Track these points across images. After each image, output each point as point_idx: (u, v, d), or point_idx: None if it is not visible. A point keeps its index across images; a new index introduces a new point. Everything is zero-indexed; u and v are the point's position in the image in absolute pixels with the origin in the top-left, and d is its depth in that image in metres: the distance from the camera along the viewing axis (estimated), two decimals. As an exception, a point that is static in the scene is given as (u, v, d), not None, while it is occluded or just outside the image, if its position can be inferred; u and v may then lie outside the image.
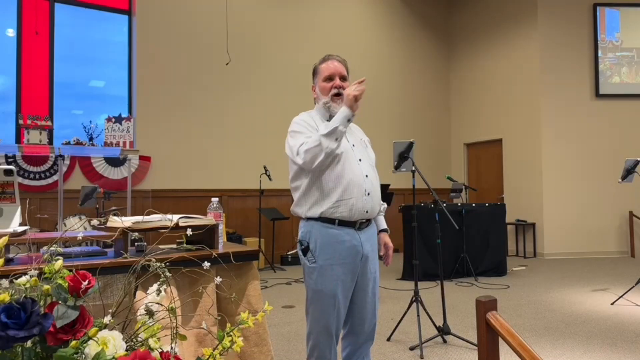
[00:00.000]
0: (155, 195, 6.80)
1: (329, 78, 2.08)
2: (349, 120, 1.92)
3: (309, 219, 2.03)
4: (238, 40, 7.59)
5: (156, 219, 1.90)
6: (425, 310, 3.61)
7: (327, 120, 2.09)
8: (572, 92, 8.23)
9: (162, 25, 7.08)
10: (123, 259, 1.54)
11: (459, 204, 6.46)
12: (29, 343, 0.93)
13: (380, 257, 2.23)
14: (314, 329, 2.01)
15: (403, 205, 6.27)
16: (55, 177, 6.17)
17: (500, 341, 1.51)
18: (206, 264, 1.29)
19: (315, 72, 2.16)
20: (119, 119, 6.56)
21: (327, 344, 2.00)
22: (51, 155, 6.17)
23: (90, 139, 6.55)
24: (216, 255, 1.63)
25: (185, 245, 2.06)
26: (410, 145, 3.66)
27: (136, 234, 1.57)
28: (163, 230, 1.87)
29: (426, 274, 5.78)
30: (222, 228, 2.14)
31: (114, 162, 6.62)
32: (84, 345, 0.94)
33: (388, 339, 3.59)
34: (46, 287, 0.99)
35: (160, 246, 1.99)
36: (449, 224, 3.56)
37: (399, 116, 9.23)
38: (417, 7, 9.63)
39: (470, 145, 9.64)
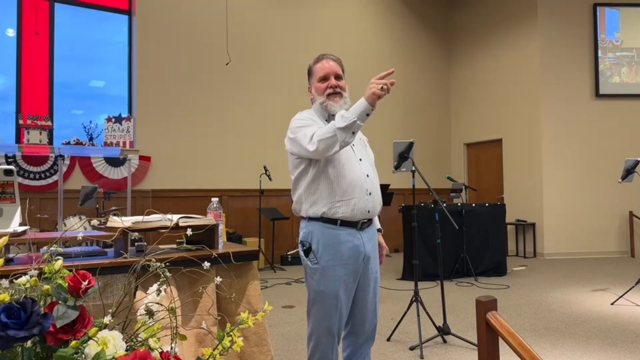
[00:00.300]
0: (155, 195, 6.80)
1: (324, 78, 2.06)
2: (367, 115, 1.80)
3: (310, 219, 2.02)
4: (238, 40, 7.59)
5: (156, 219, 1.90)
6: (425, 310, 3.61)
7: (327, 120, 2.08)
8: (572, 92, 8.23)
9: (162, 25, 7.08)
10: (123, 259, 1.54)
11: (459, 204, 6.46)
12: (29, 343, 0.93)
13: None
14: (315, 330, 2.00)
15: (403, 205, 6.27)
16: (55, 177, 6.17)
17: (500, 341, 1.51)
18: (206, 264, 1.29)
19: (310, 73, 2.13)
20: (119, 119, 6.56)
21: (329, 345, 2.00)
22: (51, 155, 6.17)
23: (90, 139, 6.55)
24: (216, 255, 1.63)
25: (185, 245, 2.06)
26: (410, 145, 3.66)
27: (136, 234, 1.57)
28: (163, 230, 1.87)
29: (426, 274, 5.78)
30: (222, 228, 2.13)
31: (114, 162, 6.62)
32: (84, 345, 0.94)
33: (388, 339, 3.59)
34: (46, 287, 0.99)
35: (160, 246, 1.99)
36: (449, 224, 3.56)
37: (399, 116, 9.23)
38: (417, 7, 9.63)
39: (470, 145, 9.64)
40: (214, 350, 1.16)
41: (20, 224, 1.90)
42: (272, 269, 6.94)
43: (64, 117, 6.67)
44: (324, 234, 1.97)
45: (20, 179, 5.94)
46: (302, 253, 2.05)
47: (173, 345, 1.08)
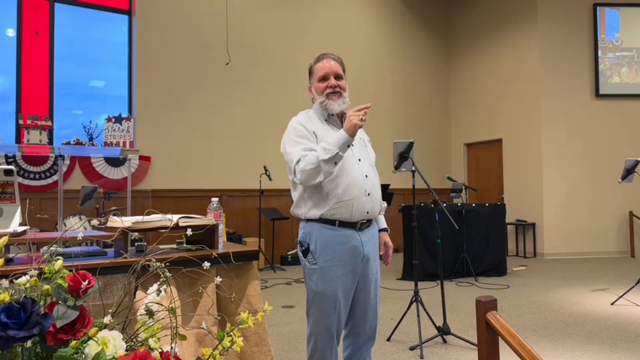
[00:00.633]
0: (155, 195, 6.80)
1: (324, 78, 2.06)
2: (348, 146, 1.88)
3: (308, 220, 2.02)
4: (238, 40, 7.59)
5: (156, 219, 1.90)
6: (425, 310, 3.61)
7: (326, 120, 2.09)
8: (572, 92, 8.23)
9: (162, 25, 7.08)
10: (123, 259, 1.54)
11: (459, 204, 6.46)
12: (29, 343, 0.93)
13: (380, 257, 2.22)
14: (314, 330, 2.00)
15: (403, 205, 6.28)
16: (55, 177, 6.17)
17: (500, 341, 1.50)
18: (206, 264, 1.29)
19: (310, 72, 2.14)
20: (119, 119, 6.56)
21: (328, 346, 2.00)
22: (51, 155, 6.17)
23: (90, 139, 6.55)
24: (216, 255, 1.63)
25: (185, 245, 2.06)
26: (410, 145, 3.66)
27: (136, 234, 1.57)
28: (163, 230, 1.87)
29: (426, 274, 5.78)
30: (222, 228, 2.13)
31: (114, 162, 6.62)
32: (84, 345, 0.94)
33: (388, 339, 3.59)
34: (46, 287, 0.99)
35: (160, 246, 1.99)
36: (449, 224, 3.56)
37: (399, 116, 9.23)
38: (417, 7, 9.63)
39: (470, 145, 9.64)
40: (214, 350, 1.16)
41: (20, 224, 1.90)
42: (272, 269, 6.94)
43: (64, 117, 6.67)
44: (322, 234, 1.98)
45: (20, 179, 5.94)
46: (300, 253, 2.05)
47: (173, 345, 1.08)
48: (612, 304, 4.64)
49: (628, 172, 4.95)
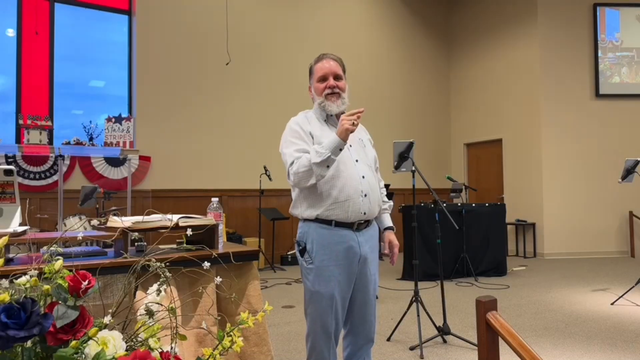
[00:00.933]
0: (155, 195, 6.80)
1: (323, 78, 2.05)
2: (340, 150, 1.88)
3: (306, 219, 2.03)
4: (238, 40, 7.59)
5: (156, 219, 1.90)
6: (425, 310, 3.61)
7: (325, 120, 2.09)
8: (572, 92, 8.23)
9: (162, 25, 7.08)
10: (123, 259, 1.54)
11: (459, 204, 6.46)
12: (29, 343, 0.93)
13: (385, 255, 2.22)
14: (312, 330, 2.01)
15: (403, 205, 6.28)
16: (55, 177, 6.17)
17: (500, 341, 1.51)
18: (206, 264, 1.29)
19: (310, 72, 2.14)
20: (119, 119, 6.56)
21: (325, 345, 2.00)
22: (51, 155, 6.17)
23: (90, 139, 6.55)
24: (216, 255, 1.63)
25: (185, 245, 2.05)
26: (410, 145, 3.66)
27: (136, 234, 1.57)
28: (163, 230, 1.87)
29: (426, 274, 5.78)
30: (222, 228, 2.13)
31: (114, 162, 6.62)
32: (84, 345, 0.94)
33: (388, 339, 3.59)
34: (46, 287, 0.99)
35: (160, 246, 1.99)
36: (449, 224, 3.56)
37: (398, 116, 9.23)
38: (417, 7, 9.63)
39: (470, 145, 9.64)
40: (214, 350, 1.16)
41: (20, 224, 1.90)
42: (272, 269, 6.94)
43: (64, 117, 6.67)
44: (319, 234, 1.98)
45: (20, 179, 5.94)
46: (297, 253, 2.06)
47: (173, 345, 1.08)
48: (612, 304, 4.64)
49: (628, 172, 4.95)
